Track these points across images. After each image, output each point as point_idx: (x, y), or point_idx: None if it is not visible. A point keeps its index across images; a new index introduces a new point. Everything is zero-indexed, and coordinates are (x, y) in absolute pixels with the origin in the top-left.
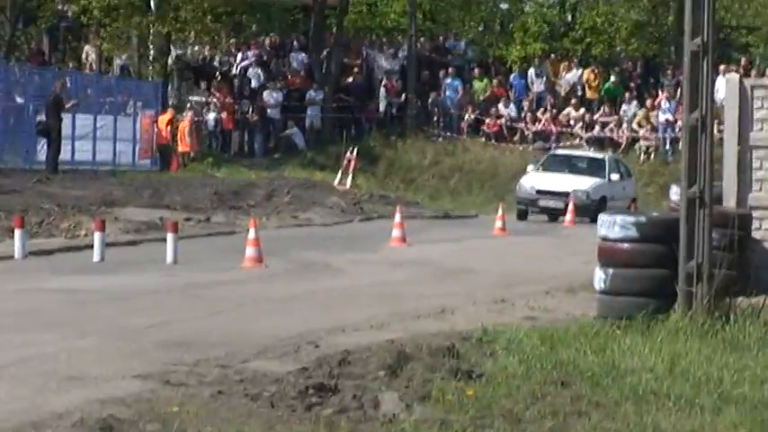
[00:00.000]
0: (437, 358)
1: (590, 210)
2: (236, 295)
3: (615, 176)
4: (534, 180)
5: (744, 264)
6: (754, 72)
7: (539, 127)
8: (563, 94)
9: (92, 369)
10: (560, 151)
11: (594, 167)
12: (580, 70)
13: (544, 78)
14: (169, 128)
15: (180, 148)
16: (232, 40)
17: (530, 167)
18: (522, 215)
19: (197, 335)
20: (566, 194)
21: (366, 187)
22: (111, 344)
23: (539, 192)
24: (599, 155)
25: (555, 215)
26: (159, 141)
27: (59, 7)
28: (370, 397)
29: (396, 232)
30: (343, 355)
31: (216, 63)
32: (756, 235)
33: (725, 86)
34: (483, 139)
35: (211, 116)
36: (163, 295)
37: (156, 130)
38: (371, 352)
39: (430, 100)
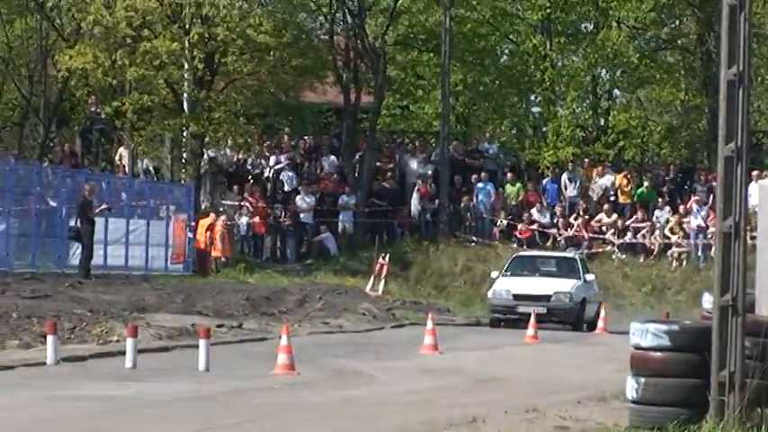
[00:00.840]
0: None
1: (572, 314)
2: (268, 403)
3: (590, 276)
4: (508, 284)
5: None
6: None
7: (571, 233)
8: (595, 199)
9: None
10: (525, 252)
11: (566, 268)
12: (613, 175)
13: (577, 183)
14: (208, 233)
15: (213, 253)
16: (266, 143)
17: (494, 273)
18: (496, 323)
19: None
20: (547, 298)
21: (398, 293)
22: None
23: (516, 297)
24: (568, 254)
25: (538, 319)
26: (197, 246)
27: (92, 109)
28: None
29: (427, 339)
30: None
31: (248, 166)
32: None
33: (758, 192)
34: (515, 245)
35: (244, 220)
36: (195, 403)
37: (189, 234)
38: None
39: (462, 204)
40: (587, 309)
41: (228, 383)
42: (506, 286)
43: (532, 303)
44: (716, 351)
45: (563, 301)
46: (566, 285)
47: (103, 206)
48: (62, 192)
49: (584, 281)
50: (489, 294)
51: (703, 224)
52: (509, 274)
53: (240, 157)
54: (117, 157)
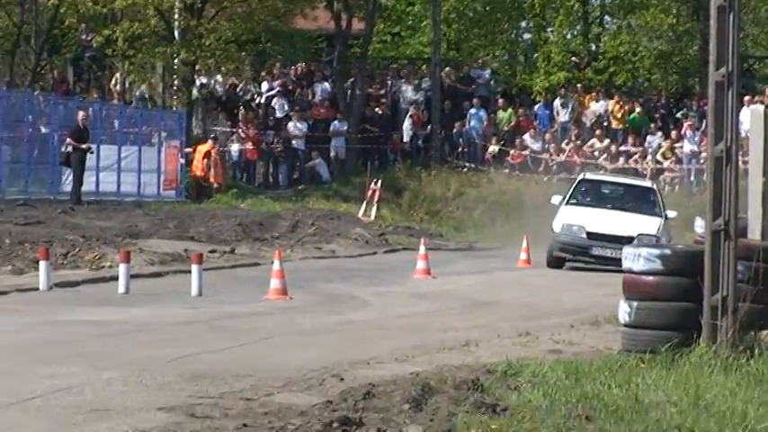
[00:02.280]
0: (461, 391)
1: None
2: (261, 327)
3: (672, 213)
4: (580, 217)
5: None
6: None
7: (563, 158)
8: (588, 124)
9: (117, 401)
10: (594, 176)
11: (645, 200)
12: (606, 101)
13: (569, 108)
14: (206, 160)
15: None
16: (258, 70)
17: (555, 199)
18: (558, 263)
19: (222, 367)
20: (629, 240)
21: (390, 219)
22: (135, 376)
23: (591, 235)
24: (645, 182)
25: (612, 267)
26: (193, 172)
27: (83, 37)
28: (395, 430)
29: (420, 264)
30: (368, 388)
31: (240, 93)
32: None
33: (750, 117)
34: (507, 170)
35: (236, 147)
36: (188, 327)
37: (181, 160)
38: (396, 385)
39: (454, 130)
40: None
41: (221, 308)
42: (578, 220)
43: (611, 246)
44: (708, 275)
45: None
46: (651, 225)
47: (84, 146)
48: (54, 119)
49: (666, 218)
50: (556, 227)
51: (696, 149)
52: (575, 202)
53: (231, 83)
54: (113, 82)
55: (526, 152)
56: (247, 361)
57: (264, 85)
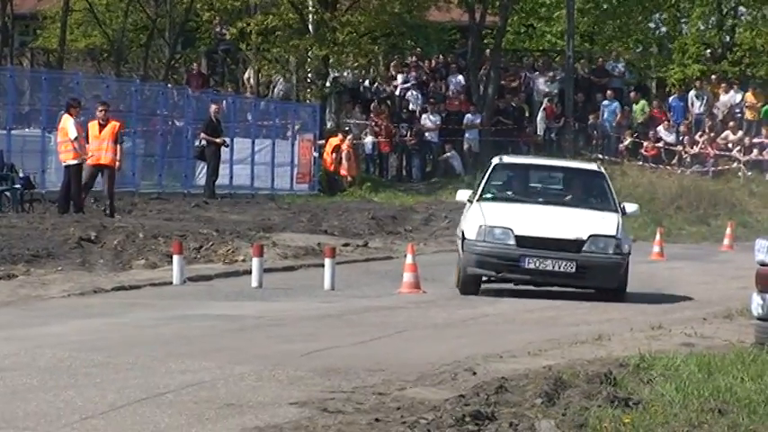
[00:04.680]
0: (594, 385)
1: (617, 273)
2: (394, 321)
3: (631, 207)
4: (503, 216)
5: None
6: None
7: (696, 150)
8: (720, 116)
9: (249, 396)
10: (513, 159)
11: (591, 190)
12: (739, 93)
13: (704, 101)
14: (335, 154)
15: (340, 172)
16: (393, 62)
17: (462, 194)
18: (473, 287)
19: (354, 361)
20: (577, 244)
21: None
22: (268, 370)
23: (521, 241)
24: (589, 165)
25: (558, 284)
26: (325, 165)
27: (217, 30)
28: (527, 425)
29: None
30: (500, 382)
31: (373, 86)
32: None
33: None
34: (641, 163)
35: (369, 140)
36: (320, 321)
37: (315, 154)
38: (528, 379)
39: (588, 123)
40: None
41: (353, 302)
42: (501, 220)
43: (551, 255)
44: None
45: (603, 251)
46: (607, 223)
47: (219, 140)
48: (188, 112)
49: (624, 212)
50: (468, 232)
51: None
52: (491, 196)
53: (365, 76)
54: (246, 76)
55: (660, 144)
56: (380, 355)
57: (399, 78)
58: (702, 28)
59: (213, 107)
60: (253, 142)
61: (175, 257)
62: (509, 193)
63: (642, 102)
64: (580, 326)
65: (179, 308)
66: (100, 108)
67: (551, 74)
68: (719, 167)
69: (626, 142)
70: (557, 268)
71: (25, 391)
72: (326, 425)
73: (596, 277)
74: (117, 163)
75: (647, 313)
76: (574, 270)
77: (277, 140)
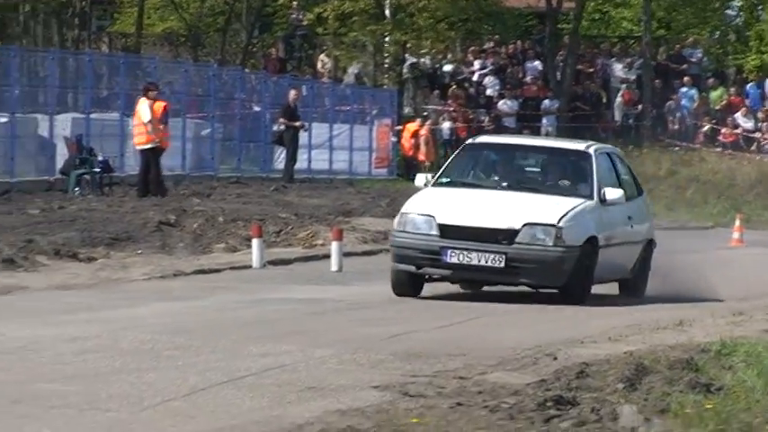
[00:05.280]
0: (675, 371)
1: (559, 270)
2: (473, 306)
3: (614, 193)
4: (434, 206)
5: None
6: None
7: None
8: None
9: (330, 379)
10: (486, 139)
11: (569, 173)
12: None
13: None
14: (413, 139)
15: (418, 158)
16: (471, 48)
17: (420, 179)
18: (406, 286)
19: (435, 346)
20: (509, 236)
21: None
22: (349, 354)
23: (445, 231)
24: (575, 144)
25: (486, 282)
26: (402, 150)
27: (294, 15)
28: (609, 410)
29: None
30: (582, 367)
31: (450, 71)
32: None
33: None
34: (719, 150)
35: (447, 125)
36: (399, 305)
37: (393, 138)
38: (609, 364)
39: (665, 109)
40: (603, 255)
41: (434, 287)
42: (429, 208)
43: (477, 247)
44: None
45: (540, 242)
46: (552, 211)
47: (298, 123)
48: (266, 97)
49: (602, 200)
50: (394, 223)
51: None
52: (447, 181)
53: (442, 62)
54: (319, 64)
55: (738, 131)
56: (460, 340)
57: (476, 64)
58: None
59: (292, 93)
60: (330, 127)
61: (255, 241)
62: (471, 177)
63: (720, 88)
64: (661, 312)
65: (259, 291)
66: (148, 88)
67: (628, 60)
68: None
69: (704, 129)
70: (483, 263)
71: (108, 373)
72: (408, 408)
73: (531, 273)
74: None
75: (729, 299)
76: (503, 265)
77: (355, 125)
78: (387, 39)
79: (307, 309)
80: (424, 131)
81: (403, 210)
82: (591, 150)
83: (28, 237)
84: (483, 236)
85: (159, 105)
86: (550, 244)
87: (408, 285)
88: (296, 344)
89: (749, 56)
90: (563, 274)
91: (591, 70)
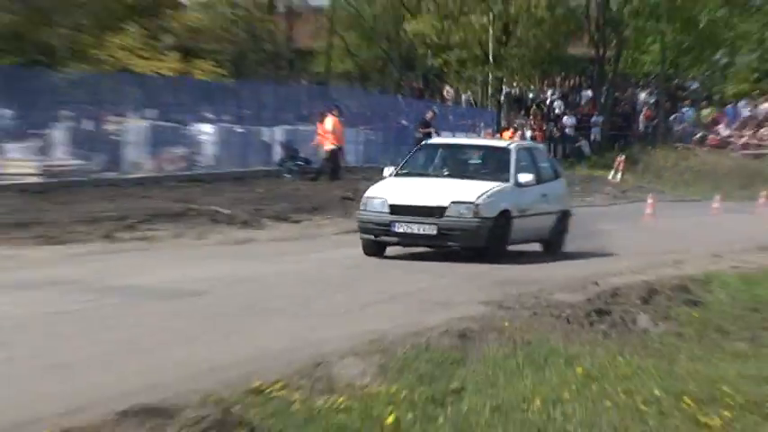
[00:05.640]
0: (675, 292)
1: (479, 234)
2: (541, 254)
3: (526, 177)
4: (387, 189)
5: None
6: None
7: (743, 141)
8: (760, 119)
9: (452, 298)
10: (437, 140)
11: (493, 165)
12: None
13: (750, 108)
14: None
15: None
16: (545, 81)
17: (387, 170)
18: (372, 249)
19: (521, 277)
20: (439, 211)
21: (630, 181)
22: (463, 282)
23: (394, 209)
24: (499, 143)
25: (422, 244)
26: None
27: (429, 60)
28: (631, 317)
29: (648, 210)
30: (614, 290)
31: (532, 97)
32: None
33: None
34: (707, 149)
35: (528, 133)
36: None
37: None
38: (632, 288)
39: (672, 121)
40: (519, 224)
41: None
42: (384, 192)
43: (417, 220)
44: None
45: (463, 215)
46: (473, 191)
47: (431, 130)
48: (410, 115)
49: (516, 183)
50: (361, 205)
51: None
52: (405, 172)
53: (527, 91)
54: (445, 93)
55: (719, 137)
56: (537, 273)
57: (548, 92)
58: (750, 59)
59: (429, 113)
60: (453, 134)
61: None
62: (422, 168)
63: (709, 108)
64: (667, 255)
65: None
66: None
67: (649, 89)
68: (759, 152)
69: (698, 135)
70: (421, 231)
71: (313, 294)
72: (502, 317)
73: (457, 238)
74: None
75: (710, 246)
76: (435, 233)
77: (469, 134)
78: (490, 76)
79: (435, 253)
80: (516, 137)
81: (366, 194)
82: (511, 147)
83: (256, 207)
84: (421, 212)
85: (338, 121)
86: (470, 216)
87: (373, 248)
88: (428, 275)
89: (728, 86)
90: (481, 239)
91: (624, 96)
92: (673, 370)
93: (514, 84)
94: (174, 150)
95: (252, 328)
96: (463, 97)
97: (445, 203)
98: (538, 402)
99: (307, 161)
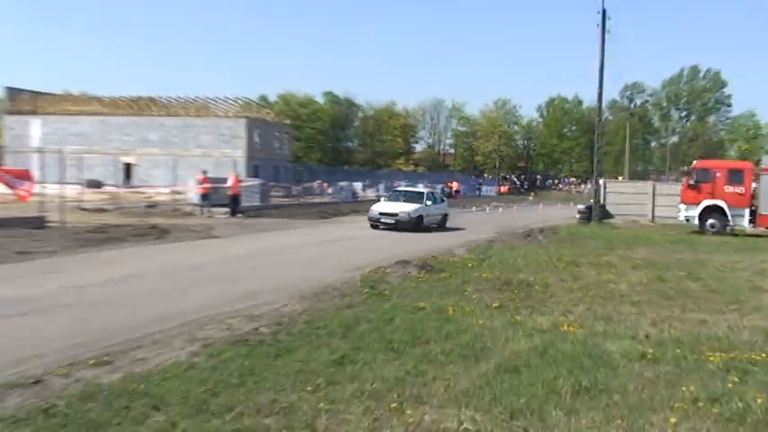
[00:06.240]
0: (545, 230)
1: (410, 223)
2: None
3: (429, 202)
4: (379, 206)
5: None
6: None
7: None
8: None
9: (435, 245)
10: (400, 188)
11: (417, 197)
12: None
13: None
14: None
15: None
16: None
17: (382, 198)
18: (374, 227)
19: (434, 238)
20: (396, 215)
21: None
22: (418, 237)
23: (380, 213)
24: (421, 189)
25: (391, 227)
26: None
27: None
28: (535, 236)
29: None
30: (529, 230)
31: None
32: None
33: None
34: None
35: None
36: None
37: None
38: (532, 229)
39: None
40: (427, 219)
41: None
42: (378, 207)
43: (388, 218)
44: None
45: (404, 216)
46: (410, 208)
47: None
48: None
49: (425, 205)
50: (369, 210)
51: None
52: (386, 199)
53: None
54: None
55: None
56: (434, 246)
57: None
58: None
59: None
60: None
61: None
62: (393, 196)
63: None
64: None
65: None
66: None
67: None
68: None
69: None
70: (389, 222)
71: (364, 248)
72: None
73: (403, 227)
74: None
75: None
76: (394, 222)
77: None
78: None
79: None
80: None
81: (372, 207)
82: (424, 190)
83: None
84: (390, 214)
85: None
86: (407, 217)
87: (372, 226)
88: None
89: None
90: (410, 225)
91: None
92: (548, 251)
93: None
94: None
95: (382, 253)
96: None
97: (398, 212)
98: (513, 256)
99: None
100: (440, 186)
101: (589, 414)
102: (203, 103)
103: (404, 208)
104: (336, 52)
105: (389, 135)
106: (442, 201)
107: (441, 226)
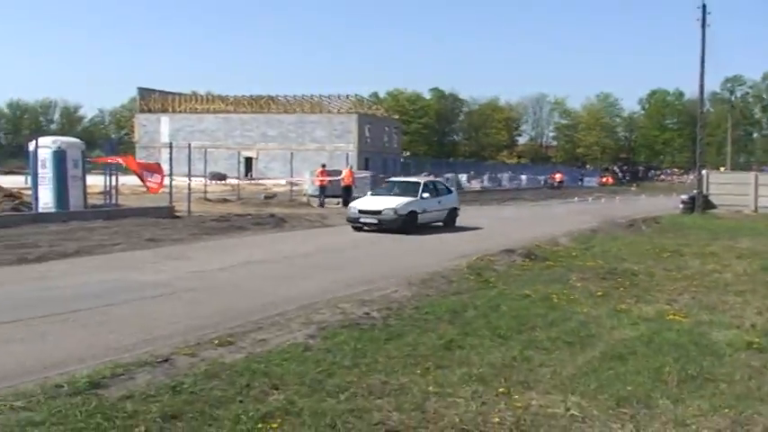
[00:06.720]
0: (647, 221)
1: (397, 222)
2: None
3: (426, 195)
4: (360, 203)
5: None
6: None
7: None
8: None
9: (460, 250)
10: (393, 178)
11: (411, 189)
12: None
13: None
14: None
15: None
16: None
17: (369, 193)
18: (355, 229)
19: (484, 244)
20: (379, 212)
21: None
22: (466, 241)
23: (360, 212)
24: (417, 179)
25: (374, 228)
26: None
27: None
28: (638, 226)
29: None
30: (631, 220)
31: None
32: None
33: None
34: None
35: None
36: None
37: None
38: (635, 220)
39: None
40: (424, 216)
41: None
42: (357, 204)
43: (369, 217)
44: None
45: (389, 214)
46: (396, 203)
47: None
48: None
49: (421, 197)
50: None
51: None
52: (372, 192)
53: None
54: None
55: None
56: (485, 242)
57: None
58: None
59: None
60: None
61: None
62: (380, 190)
63: None
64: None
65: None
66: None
67: None
68: None
69: None
70: (371, 221)
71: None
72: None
73: (387, 226)
74: None
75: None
76: (377, 222)
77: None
78: None
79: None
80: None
81: (351, 204)
82: (421, 179)
83: None
84: (371, 212)
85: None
86: (393, 215)
87: (354, 229)
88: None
89: None
90: (397, 224)
91: None
92: (651, 241)
93: None
94: None
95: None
96: None
97: (381, 208)
98: (617, 245)
99: None
100: (543, 177)
101: (695, 402)
102: (317, 101)
103: (389, 203)
104: (443, 51)
105: (493, 128)
106: (449, 192)
107: (447, 224)
